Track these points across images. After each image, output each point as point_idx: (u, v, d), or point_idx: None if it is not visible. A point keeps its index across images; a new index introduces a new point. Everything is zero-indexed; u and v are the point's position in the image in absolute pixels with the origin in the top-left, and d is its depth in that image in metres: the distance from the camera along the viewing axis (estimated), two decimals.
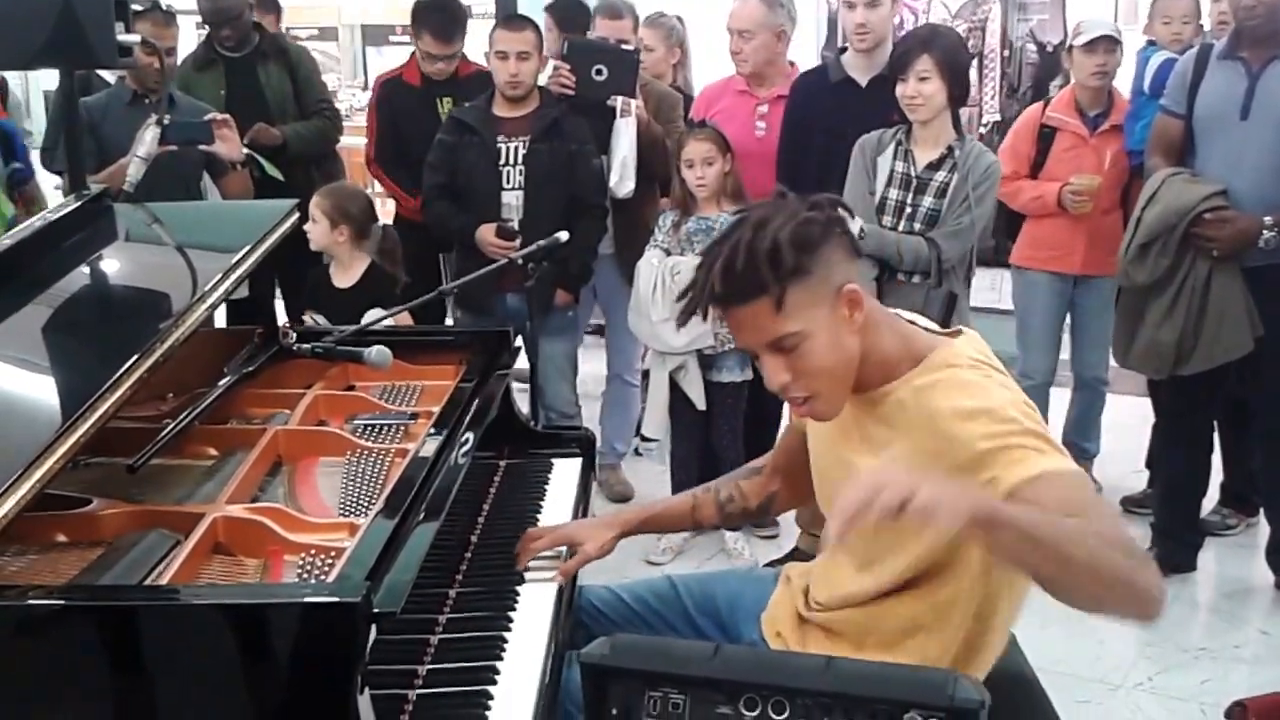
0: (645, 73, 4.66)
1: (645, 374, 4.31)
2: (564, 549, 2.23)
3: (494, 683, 1.85)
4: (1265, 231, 3.40)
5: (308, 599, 1.62)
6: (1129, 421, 4.71)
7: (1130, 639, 3.54)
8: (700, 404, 3.95)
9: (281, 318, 3.73)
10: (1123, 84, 4.28)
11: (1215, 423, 3.96)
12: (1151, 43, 4.42)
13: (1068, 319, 4.41)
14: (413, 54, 4.47)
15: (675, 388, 3.98)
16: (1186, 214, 3.46)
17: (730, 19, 4.03)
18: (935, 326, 1.94)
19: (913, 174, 3.48)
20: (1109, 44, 4.09)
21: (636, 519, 2.34)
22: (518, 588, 2.13)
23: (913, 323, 1.93)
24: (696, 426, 4.03)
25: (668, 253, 3.90)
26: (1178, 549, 3.91)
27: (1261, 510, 4.02)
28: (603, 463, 4.58)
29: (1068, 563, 1.52)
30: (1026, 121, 4.33)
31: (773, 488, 2.28)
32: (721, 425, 4.01)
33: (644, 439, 4.24)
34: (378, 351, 2.35)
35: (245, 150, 3.83)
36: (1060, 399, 4.58)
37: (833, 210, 1.79)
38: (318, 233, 3.83)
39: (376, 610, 1.59)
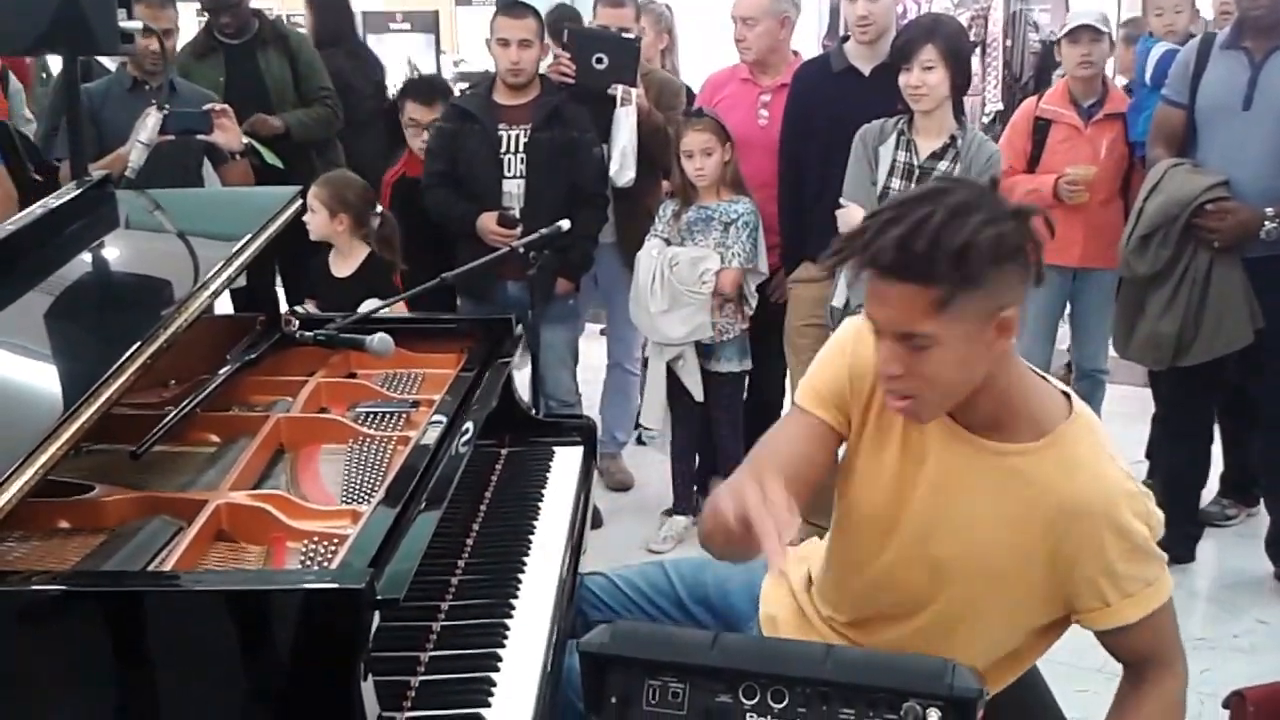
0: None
1: (646, 363, 4.31)
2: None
3: (496, 670, 1.85)
4: (1266, 223, 3.40)
5: (311, 585, 1.62)
6: (1129, 412, 4.71)
7: None
8: (698, 394, 3.95)
9: (282, 306, 3.74)
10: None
11: (1215, 414, 3.97)
12: (1150, 34, 4.42)
13: (1067, 310, 4.41)
14: None
15: (674, 378, 3.98)
16: (1188, 205, 3.46)
17: (734, 6, 4.02)
18: (1039, 371, 1.82)
19: (915, 164, 3.47)
20: (1092, 34, 4.09)
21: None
22: (519, 575, 2.14)
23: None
24: (695, 416, 4.03)
25: (668, 242, 3.90)
26: (1177, 539, 3.90)
27: (1261, 501, 4.03)
28: (603, 451, 4.58)
29: None
30: (1021, 115, 4.34)
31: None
32: (720, 415, 4.01)
33: (644, 428, 4.24)
34: (380, 339, 2.35)
35: (245, 139, 3.82)
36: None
37: (1031, 227, 1.62)
38: (317, 222, 3.82)
39: (380, 597, 1.59)
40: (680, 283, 3.81)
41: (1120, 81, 4.72)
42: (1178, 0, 4.29)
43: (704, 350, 3.94)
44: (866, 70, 3.72)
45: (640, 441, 4.71)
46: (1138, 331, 3.65)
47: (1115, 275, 3.95)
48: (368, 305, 3.42)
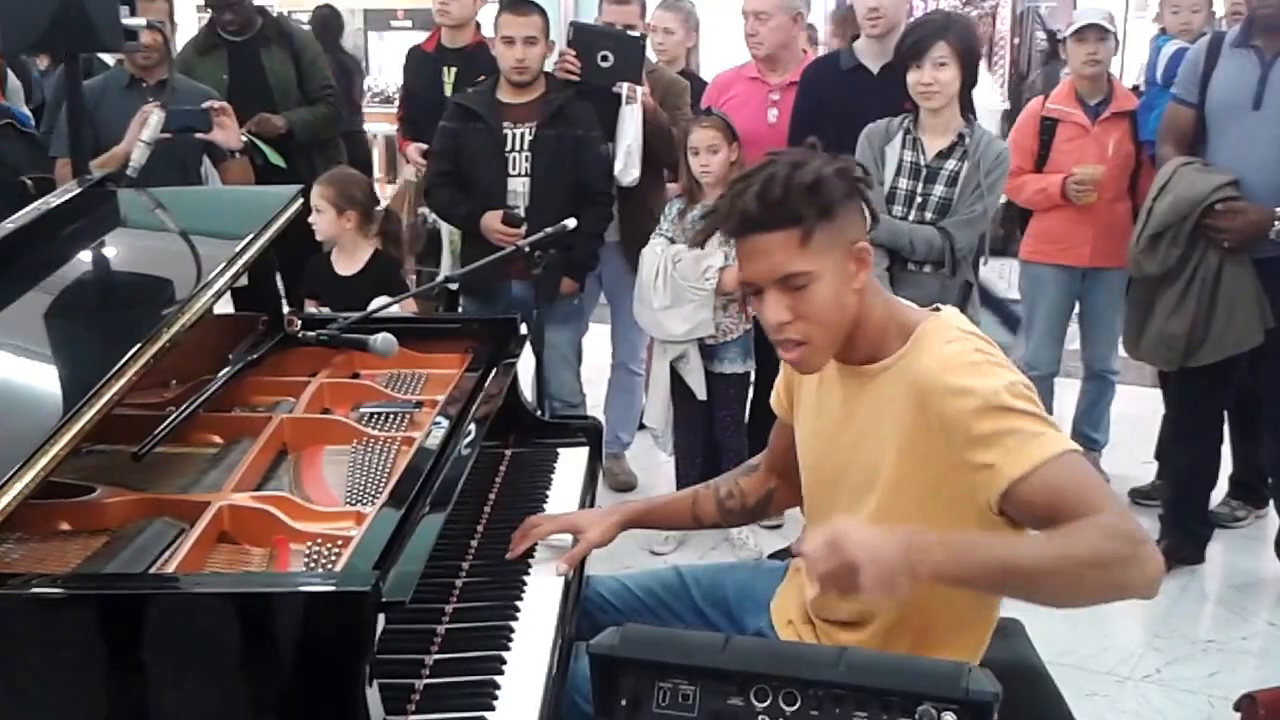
0: (659, 57, 4.65)
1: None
2: (569, 539, 2.21)
3: (501, 673, 1.84)
4: (1276, 223, 3.38)
5: (316, 588, 1.60)
6: (1139, 413, 4.70)
7: (1138, 631, 3.53)
8: (701, 394, 3.93)
9: (284, 305, 3.73)
10: (1132, 73, 4.26)
11: (1225, 415, 3.94)
12: (1164, 32, 4.40)
13: (1076, 310, 4.39)
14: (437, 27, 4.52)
15: (678, 378, 3.96)
16: (1198, 204, 3.44)
17: (746, 1, 4.00)
18: (915, 306, 1.95)
19: (922, 163, 3.46)
20: (1099, 32, 4.08)
21: (638, 511, 2.32)
22: (525, 578, 2.12)
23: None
24: (699, 417, 4.01)
25: (672, 241, 3.88)
26: (1186, 541, 3.90)
27: (1270, 502, 4.01)
28: (606, 451, 4.55)
29: (1028, 583, 1.62)
30: (1028, 115, 4.32)
31: (770, 485, 2.27)
32: (724, 416, 3.99)
33: (649, 429, 4.22)
34: (383, 339, 2.32)
35: (246, 137, 3.80)
36: (1071, 390, 4.56)
37: (861, 170, 1.85)
38: (324, 222, 3.81)
39: (385, 600, 1.58)
40: (683, 279, 3.79)
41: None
42: (1194, 0, 4.27)
43: (707, 350, 3.92)
44: (875, 68, 3.70)
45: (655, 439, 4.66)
46: (1147, 332, 3.63)
47: (1124, 275, 3.93)
48: (377, 303, 3.42)
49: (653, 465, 4.48)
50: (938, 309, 1.91)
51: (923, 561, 1.59)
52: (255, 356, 2.44)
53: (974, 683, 1.34)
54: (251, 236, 2.32)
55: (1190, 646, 3.46)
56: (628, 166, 4.06)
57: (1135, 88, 4.37)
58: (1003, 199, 3.91)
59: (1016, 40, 6.18)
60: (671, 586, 2.24)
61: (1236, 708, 2.99)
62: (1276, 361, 3.52)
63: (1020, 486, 1.65)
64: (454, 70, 4.30)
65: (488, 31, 4.22)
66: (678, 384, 3.98)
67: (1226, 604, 3.74)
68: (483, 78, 4.10)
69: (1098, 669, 3.31)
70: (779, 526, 4.17)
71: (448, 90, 4.25)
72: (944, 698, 1.35)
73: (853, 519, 1.74)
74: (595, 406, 4.51)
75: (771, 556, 3.68)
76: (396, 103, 4.79)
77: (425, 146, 4.22)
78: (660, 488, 4.36)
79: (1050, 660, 2.17)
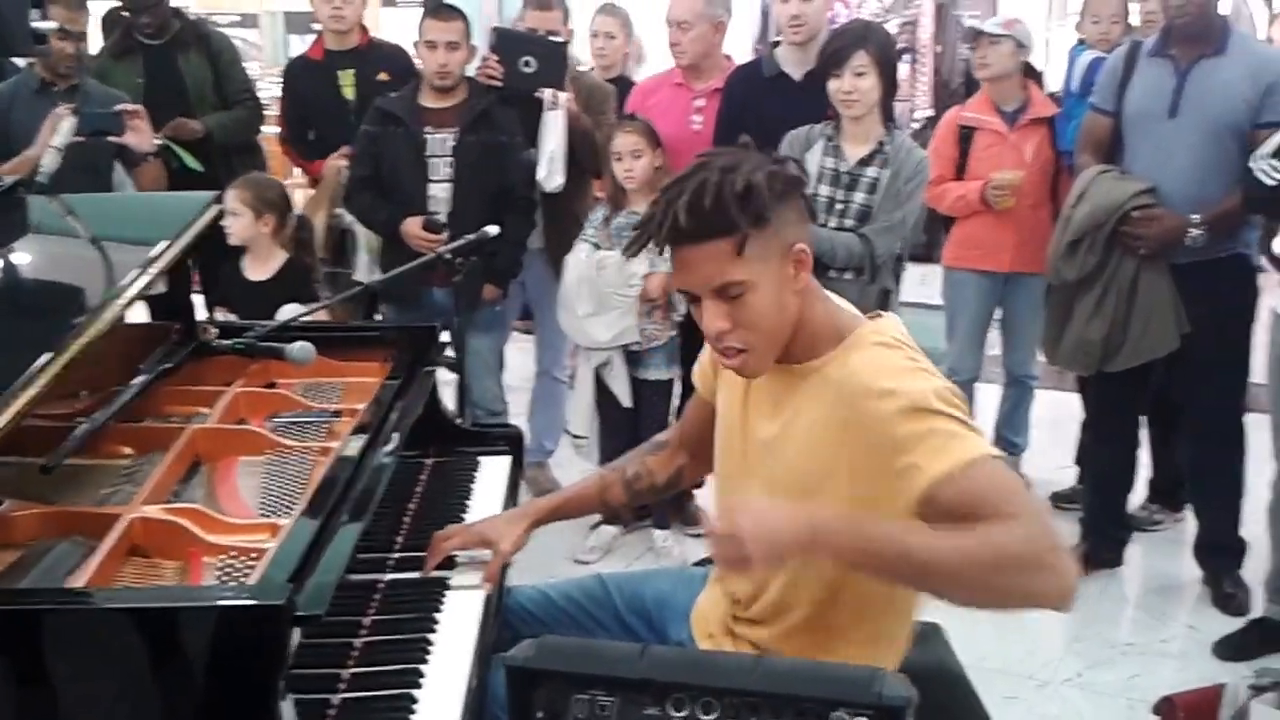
0: (599, 62, 4.65)
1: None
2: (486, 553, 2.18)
3: (419, 686, 1.82)
4: (1192, 230, 3.43)
5: (229, 602, 1.59)
6: (1060, 417, 4.75)
7: (1059, 635, 3.56)
8: (626, 400, 3.92)
9: (199, 313, 3.66)
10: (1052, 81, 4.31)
11: (1142, 419, 4.00)
12: (1081, 42, 4.46)
13: (998, 315, 4.44)
14: (320, 33, 4.44)
15: (603, 385, 3.95)
16: (1115, 212, 3.48)
17: (669, 10, 4.00)
18: (857, 311, 1.94)
19: (843, 170, 3.47)
20: (989, 38, 4.12)
21: (547, 507, 2.29)
22: (444, 589, 2.10)
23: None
24: (624, 423, 4.00)
25: (596, 247, 3.87)
26: (1106, 544, 3.95)
27: (1188, 506, 4.07)
28: (530, 460, 4.53)
29: (932, 577, 1.60)
30: (946, 124, 4.36)
31: (679, 461, 2.26)
32: (649, 423, 3.96)
33: (574, 436, 4.20)
34: (300, 347, 2.28)
35: (161, 141, 3.73)
36: (992, 395, 4.61)
37: (795, 169, 1.83)
38: (240, 225, 3.75)
39: (300, 613, 1.56)
40: (607, 286, 3.78)
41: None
42: (1114, 11, 4.34)
43: (632, 357, 3.91)
44: (798, 75, 3.71)
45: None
46: (1066, 337, 3.67)
47: (1044, 281, 3.97)
48: (287, 311, 3.36)
49: (578, 473, 4.43)
50: (879, 315, 1.91)
51: (822, 537, 1.60)
52: (168, 366, 2.39)
53: (887, 688, 1.35)
54: (166, 243, 2.27)
55: (1110, 650, 3.50)
56: (551, 173, 4.04)
57: (1053, 95, 4.43)
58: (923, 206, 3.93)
59: (939, 48, 6.25)
60: (594, 595, 2.22)
61: (1155, 711, 3.04)
62: (1192, 367, 3.57)
63: (939, 488, 1.62)
64: (351, 72, 4.26)
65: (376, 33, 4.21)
66: (603, 391, 3.96)
67: (1146, 607, 3.79)
68: (384, 75, 4.08)
69: (1019, 673, 3.34)
70: (703, 534, 4.17)
71: (348, 94, 4.21)
72: (857, 703, 1.36)
73: (759, 497, 1.75)
74: (519, 414, 4.49)
75: (696, 564, 3.68)
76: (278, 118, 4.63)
77: (349, 151, 4.17)
78: None
79: (972, 664, 2.17)
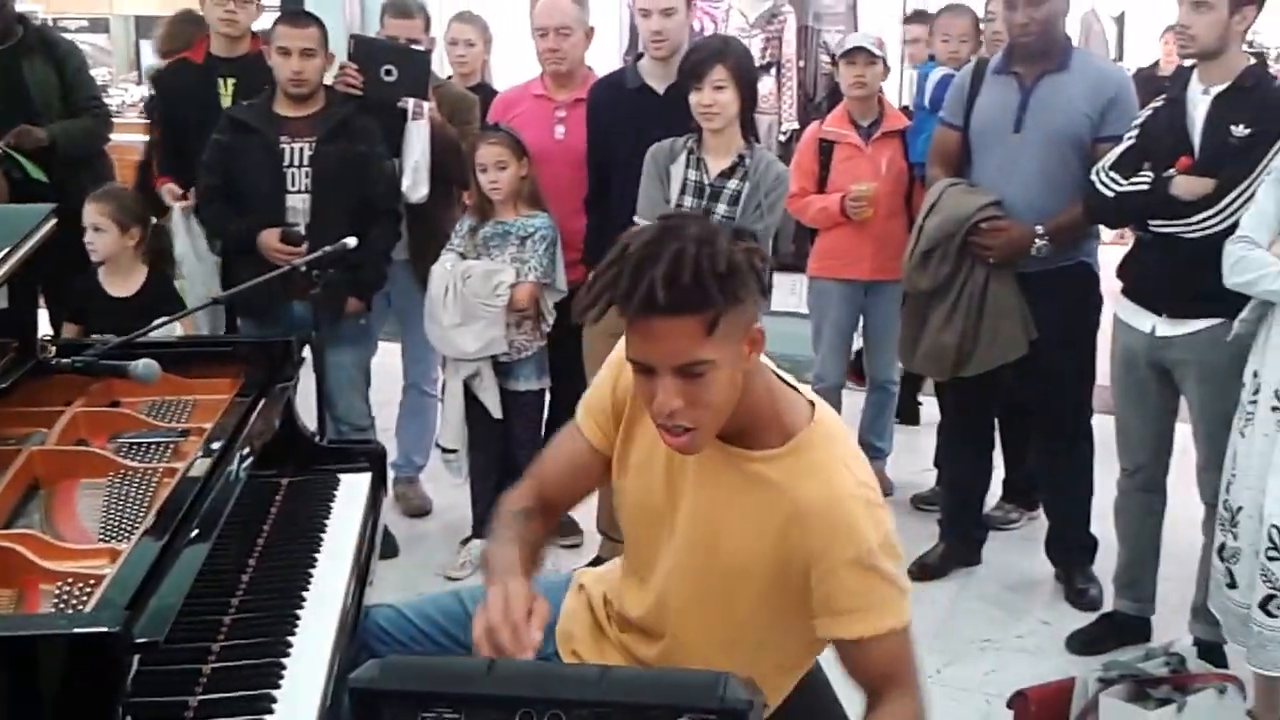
0: (459, 69, 4.61)
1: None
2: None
3: (270, 712, 1.80)
4: (1037, 240, 3.52)
5: (62, 630, 1.54)
6: (921, 421, 4.84)
7: (919, 633, 3.50)
8: (496, 413, 3.90)
9: (46, 329, 3.55)
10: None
11: (996, 421, 4.11)
12: (931, 59, 4.57)
13: (861, 323, 4.52)
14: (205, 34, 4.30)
15: (472, 397, 3.92)
16: (964, 223, 3.56)
17: (544, 17, 3.96)
18: (789, 379, 1.88)
19: (706, 182, 3.50)
20: (867, 56, 4.20)
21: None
22: (298, 612, 2.06)
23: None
24: (494, 436, 3.97)
25: (462, 256, 3.84)
26: (963, 544, 4.05)
27: (1041, 504, 4.18)
28: (399, 476, 4.48)
29: None
30: (807, 138, 4.43)
31: (550, 525, 2.09)
32: (520, 434, 3.96)
33: (443, 450, 4.15)
34: (144, 365, 2.23)
35: (2, 150, 3.61)
36: (857, 400, 4.68)
37: (755, 242, 1.73)
38: (105, 241, 3.66)
39: (137, 640, 1.52)
40: (474, 296, 3.75)
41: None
42: (964, 30, 4.45)
43: (502, 368, 3.89)
44: (661, 88, 3.74)
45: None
46: (921, 344, 3.74)
47: (903, 289, 4.07)
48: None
49: (448, 488, 4.42)
50: (813, 404, 1.85)
51: None
52: (4, 385, 2.31)
53: (730, 691, 1.38)
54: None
55: (968, 646, 3.58)
56: (415, 183, 3.99)
57: (905, 108, 4.53)
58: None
59: (802, 63, 6.32)
60: (451, 613, 2.16)
61: (1010, 705, 3.11)
62: (1040, 371, 3.67)
63: (848, 646, 1.76)
64: (231, 81, 4.13)
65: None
66: (473, 403, 3.93)
67: (1002, 604, 3.87)
68: (267, 88, 4.00)
69: None
70: (577, 545, 4.17)
71: (226, 102, 4.09)
72: (702, 708, 1.38)
73: None
74: (387, 429, 4.43)
75: None
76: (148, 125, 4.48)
77: (178, 190, 4.08)
78: (457, 510, 4.29)
79: (833, 664, 2.20)
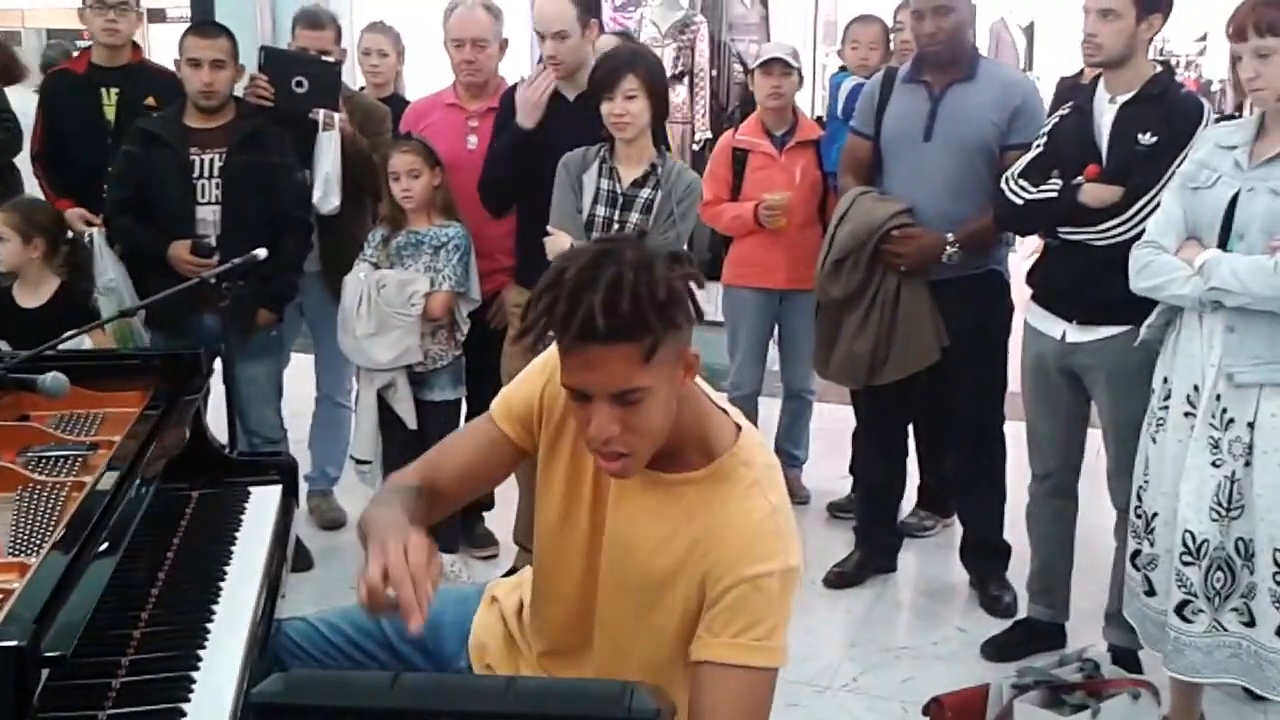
0: (371, 79, 4.57)
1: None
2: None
3: None
4: (948, 247, 3.57)
5: None
6: (837, 429, 4.87)
7: (836, 641, 3.66)
8: (411, 423, 3.87)
9: None
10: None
11: (910, 429, 4.15)
12: (843, 69, 4.62)
13: (776, 332, 4.55)
14: (88, 46, 4.24)
15: (387, 407, 3.89)
16: (875, 231, 3.59)
17: (460, 29, 3.95)
18: (717, 398, 1.88)
19: (619, 190, 3.51)
20: (783, 67, 4.24)
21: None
22: (208, 625, 2.04)
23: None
24: (410, 447, 3.93)
25: (376, 266, 3.82)
26: (879, 551, 4.08)
27: (956, 511, 4.22)
28: (313, 489, 4.44)
29: None
30: (721, 147, 4.47)
31: (435, 514, 1.95)
32: (435, 445, 3.92)
33: (357, 461, 4.11)
34: (53, 378, 2.18)
35: None
36: (773, 409, 4.71)
37: (693, 267, 1.71)
38: (8, 251, 3.64)
39: (45, 654, 1.50)
40: (388, 305, 3.73)
41: None
42: (873, 39, 4.50)
43: (417, 378, 3.87)
44: (571, 96, 3.74)
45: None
46: (835, 353, 3.77)
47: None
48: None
49: (363, 500, 4.34)
50: (739, 427, 1.84)
51: None
52: None
53: (637, 701, 1.38)
54: None
55: (885, 654, 3.60)
56: (327, 194, 3.96)
57: (819, 118, 4.58)
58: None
59: (715, 72, 6.38)
60: (362, 625, 2.13)
61: (925, 712, 3.14)
62: (952, 378, 3.71)
63: (708, 667, 1.70)
64: (115, 91, 4.08)
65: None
66: (387, 414, 3.90)
67: (918, 611, 3.92)
68: (151, 99, 3.93)
69: (798, 680, 3.41)
70: (493, 556, 4.15)
71: (109, 113, 4.03)
72: (609, 718, 1.38)
73: None
74: (300, 441, 4.38)
75: None
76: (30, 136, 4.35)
77: (86, 213, 4.01)
78: None
79: None
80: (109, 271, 3.88)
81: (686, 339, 1.69)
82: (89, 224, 4.00)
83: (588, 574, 1.90)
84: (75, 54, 4.46)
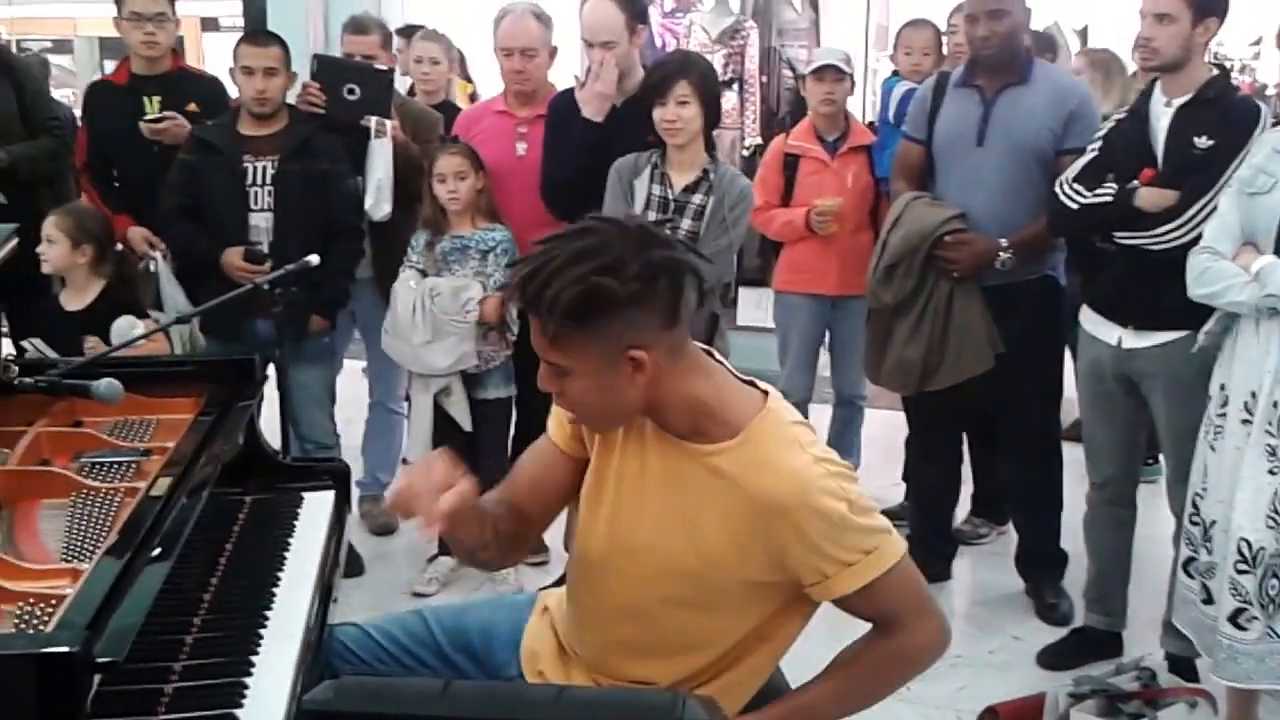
0: (424, 87, 4.60)
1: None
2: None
3: None
4: (1001, 253, 3.54)
5: (21, 650, 1.53)
6: (890, 436, 4.83)
7: None
8: (466, 425, 3.88)
9: (8, 348, 3.52)
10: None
11: (964, 436, 4.11)
12: (895, 74, 4.59)
13: (828, 338, 4.52)
14: (125, 56, 4.28)
15: (440, 410, 3.90)
16: (928, 237, 3.57)
17: (510, 39, 3.96)
18: (742, 376, 1.92)
19: (670, 197, 3.51)
20: (836, 73, 4.21)
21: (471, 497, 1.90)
22: (261, 631, 2.04)
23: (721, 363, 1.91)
24: (463, 447, 3.94)
25: (424, 273, 3.83)
26: (933, 559, 4.02)
27: (1011, 519, 4.18)
28: (365, 494, 4.46)
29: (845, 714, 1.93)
30: (772, 152, 4.44)
31: (518, 524, 2.03)
32: (487, 444, 3.94)
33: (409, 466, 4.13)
34: (107, 384, 2.20)
35: None
36: (824, 415, 4.68)
37: (691, 260, 1.78)
38: (56, 254, 3.68)
39: (97, 660, 1.50)
40: (443, 313, 3.74)
41: None
42: (925, 43, 4.47)
43: (470, 379, 3.88)
44: (618, 103, 3.73)
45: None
46: (886, 359, 3.74)
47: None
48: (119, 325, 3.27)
49: None
50: (767, 392, 1.89)
51: None
52: None
53: (688, 712, 1.37)
54: None
55: (939, 663, 3.53)
56: (379, 201, 3.98)
57: (871, 124, 4.55)
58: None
59: (765, 78, 6.35)
60: (415, 632, 2.15)
61: None
62: (1007, 385, 3.67)
63: (848, 601, 1.81)
64: (157, 99, 4.11)
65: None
66: (439, 417, 3.91)
67: (973, 619, 3.87)
68: (193, 105, 3.97)
69: None
70: (544, 563, 4.15)
71: None
72: None
73: None
74: (352, 447, 4.40)
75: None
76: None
77: (149, 234, 4.05)
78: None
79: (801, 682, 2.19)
80: (179, 296, 3.91)
81: (630, 337, 1.72)
82: (152, 245, 4.04)
83: (622, 555, 1.92)
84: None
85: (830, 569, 1.77)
